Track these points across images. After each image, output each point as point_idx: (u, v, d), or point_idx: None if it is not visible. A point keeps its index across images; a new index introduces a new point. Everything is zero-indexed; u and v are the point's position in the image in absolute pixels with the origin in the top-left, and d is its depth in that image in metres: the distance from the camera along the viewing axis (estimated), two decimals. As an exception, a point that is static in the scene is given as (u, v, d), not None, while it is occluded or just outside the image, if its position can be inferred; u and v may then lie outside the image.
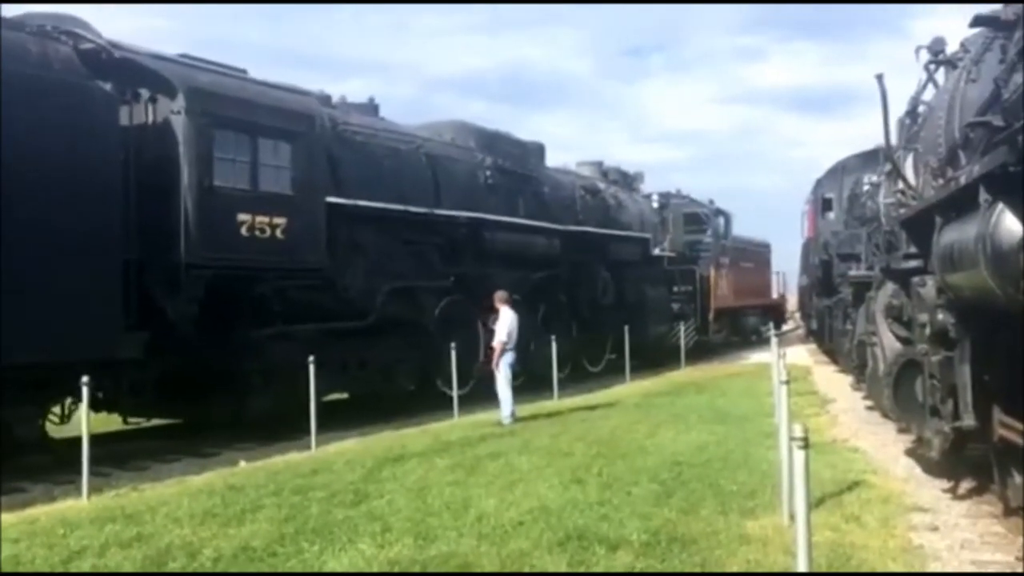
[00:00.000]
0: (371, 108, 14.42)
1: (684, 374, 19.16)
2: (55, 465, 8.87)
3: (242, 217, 10.49)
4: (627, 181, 22.63)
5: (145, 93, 10.12)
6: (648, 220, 22.16)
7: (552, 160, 19.18)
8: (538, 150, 18.03)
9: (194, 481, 7.83)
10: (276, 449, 9.85)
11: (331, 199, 11.84)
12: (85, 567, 5.28)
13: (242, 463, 8.96)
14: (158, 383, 9.98)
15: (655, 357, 20.53)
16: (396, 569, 5.09)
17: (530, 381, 14.61)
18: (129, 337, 9.27)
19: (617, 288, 19.70)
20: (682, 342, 21.70)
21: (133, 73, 10.05)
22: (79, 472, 7.53)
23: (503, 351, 11.63)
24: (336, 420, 11.16)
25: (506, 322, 11.81)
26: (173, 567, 5.23)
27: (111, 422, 10.63)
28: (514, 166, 16.54)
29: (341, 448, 9.53)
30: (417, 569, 5.09)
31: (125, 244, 9.34)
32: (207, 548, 5.51)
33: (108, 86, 9.54)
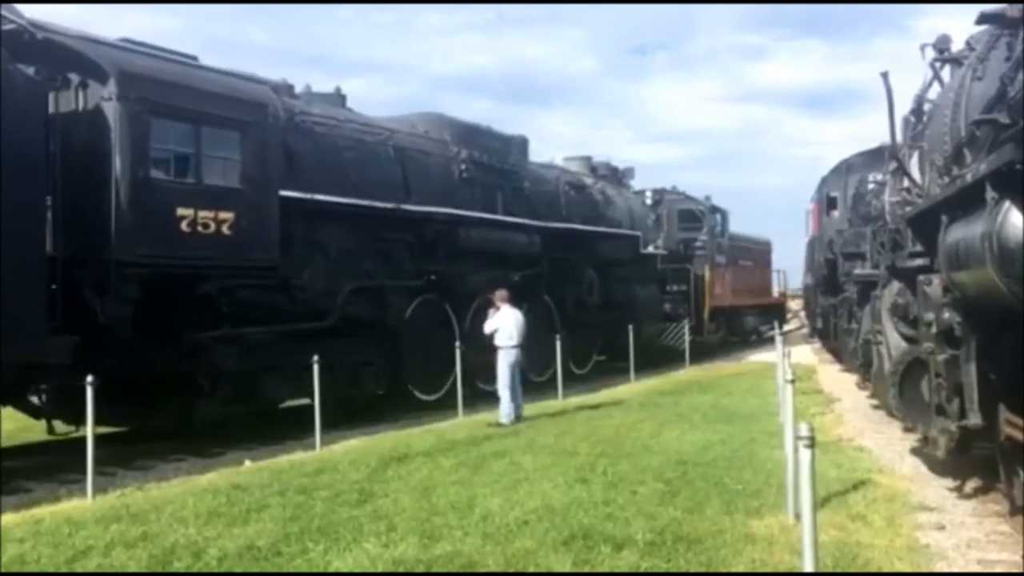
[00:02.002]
0: (337, 98, 13.70)
1: (688, 374, 19.11)
2: (60, 465, 8.89)
3: (182, 211, 9.78)
4: (617, 177, 21.97)
5: (75, 78, 9.43)
6: (639, 217, 21.53)
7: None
8: (521, 143, 17.19)
9: (199, 481, 7.83)
10: (281, 449, 9.87)
11: (285, 193, 11.10)
12: (90, 566, 5.28)
13: (247, 463, 8.96)
14: (97, 389, 9.60)
15: (649, 358, 20.10)
16: (401, 568, 5.09)
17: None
18: (55, 340, 8.62)
19: (604, 287, 19.03)
20: (686, 342, 21.57)
21: (62, 57, 9.39)
22: (84, 472, 7.54)
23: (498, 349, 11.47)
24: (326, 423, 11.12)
25: (494, 320, 11.55)
26: (178, 567, 5.24)
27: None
28: (492, 160, 15.81)
29: (346, 447, 9.52)
30: (422, 568, 5.09)
31: (51, 240, 8.75)
32: (212, 548, 5.51)
33: (31, 70, 8.88)
